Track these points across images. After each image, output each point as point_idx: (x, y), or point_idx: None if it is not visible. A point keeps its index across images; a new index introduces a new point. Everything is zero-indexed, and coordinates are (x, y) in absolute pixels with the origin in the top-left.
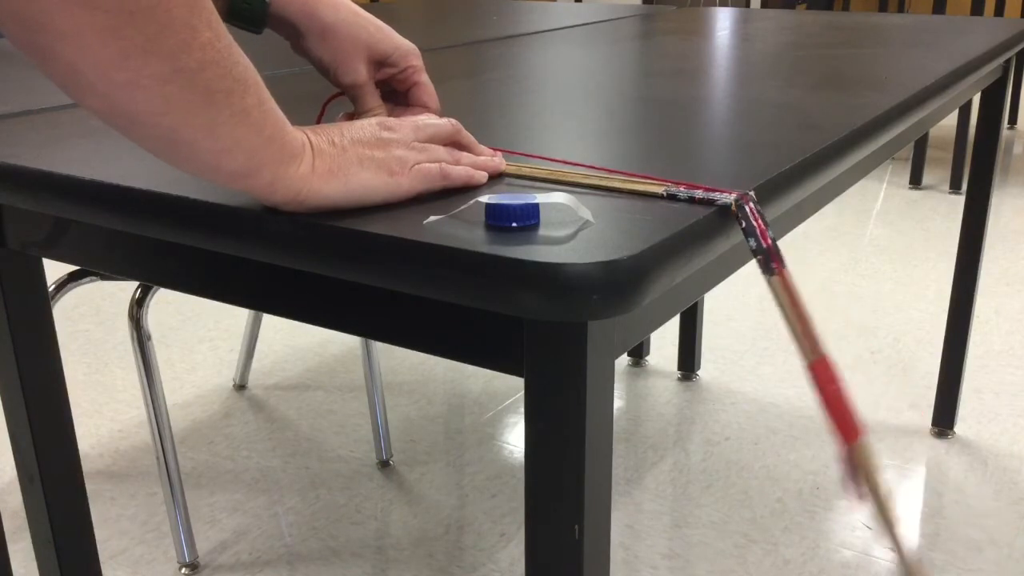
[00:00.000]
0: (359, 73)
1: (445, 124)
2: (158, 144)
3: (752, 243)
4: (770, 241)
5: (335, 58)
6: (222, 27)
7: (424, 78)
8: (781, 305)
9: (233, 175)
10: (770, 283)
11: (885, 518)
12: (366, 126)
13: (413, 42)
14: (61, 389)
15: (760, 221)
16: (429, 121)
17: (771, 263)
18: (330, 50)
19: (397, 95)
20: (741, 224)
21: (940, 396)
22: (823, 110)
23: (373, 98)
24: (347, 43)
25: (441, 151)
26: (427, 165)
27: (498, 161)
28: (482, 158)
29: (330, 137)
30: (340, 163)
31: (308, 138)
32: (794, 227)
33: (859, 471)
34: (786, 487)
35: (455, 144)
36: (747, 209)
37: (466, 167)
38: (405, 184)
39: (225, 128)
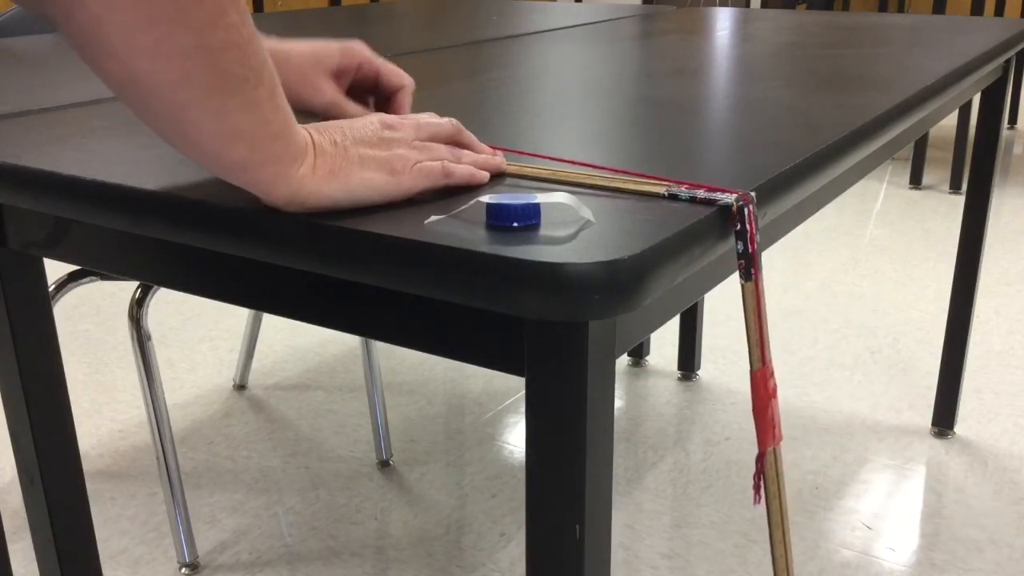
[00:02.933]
0: (328, 89)
1: (446, 123)
2: (166, 122)
3: (740, 247)
4: (755, 247)
5: (302, 82)
6: (248, 14)
7: (381, 61)
8: (747, 311)
9: (234, 165)
10: (744, 288)
11: (776, 521)
12: (367, 125)
13: (413, 42)
14: (61, 389)
15: (753, 226)
16: (430, 120)
17: (751, 269)
18: (294, 77)
19: (370, 95)
20: (736, 226)
21: (940, 396)
22: (823, 110)
23: (355, 108)
24: (306, 64)
25: (443, 150)
26: (429, 163)
27: (499, 160)
28: (484, 156)
29: (332, 137)
30: (342, 163)
31: (311, 137)
32: (794, 227)
33: (767, 473)
34: (786, 487)
35: (456, 143)
36: (746, 212)
37: (468, 166)
38: (407, 183)
39: (234, 115)
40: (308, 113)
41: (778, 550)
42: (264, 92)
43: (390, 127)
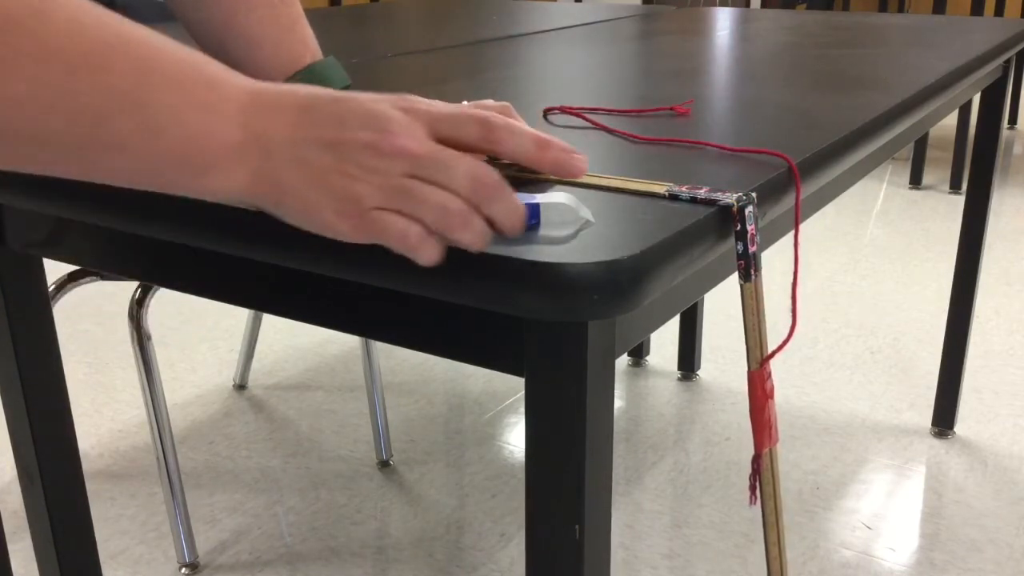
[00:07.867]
0: None
1: (471, 124)
2: (69, 173)
3: (740, 247)
4: (755, 248)
5: None
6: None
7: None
8: (746, 312)
9: (141, 183)
10: (743, 288)
11: (771, 522)
12: (365, 122)
13: (413, 42)
14: (61, 389)
15: (753, 226)
16: (452, 111)
17: (750, 270)
18: None
19: None
20: (736, 226)
21: (940, 396)
22: (823, 110)
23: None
24: None
25: (441, 198)
26: (392, 220)
27: (520, 217)
28: (519, 213)
29: (295, 134)
30: (286, 175)
31: (256, 132)
32: (794, 227)
33: (763, 475)
34: (786, 487)
35: (487, 147)
36: (747, 212)
37: (479, 231)
38: (346, 231)
39: (112, 154)
40: None
41: (773, 551)
42: (130, 123)
43: (379, 153)
